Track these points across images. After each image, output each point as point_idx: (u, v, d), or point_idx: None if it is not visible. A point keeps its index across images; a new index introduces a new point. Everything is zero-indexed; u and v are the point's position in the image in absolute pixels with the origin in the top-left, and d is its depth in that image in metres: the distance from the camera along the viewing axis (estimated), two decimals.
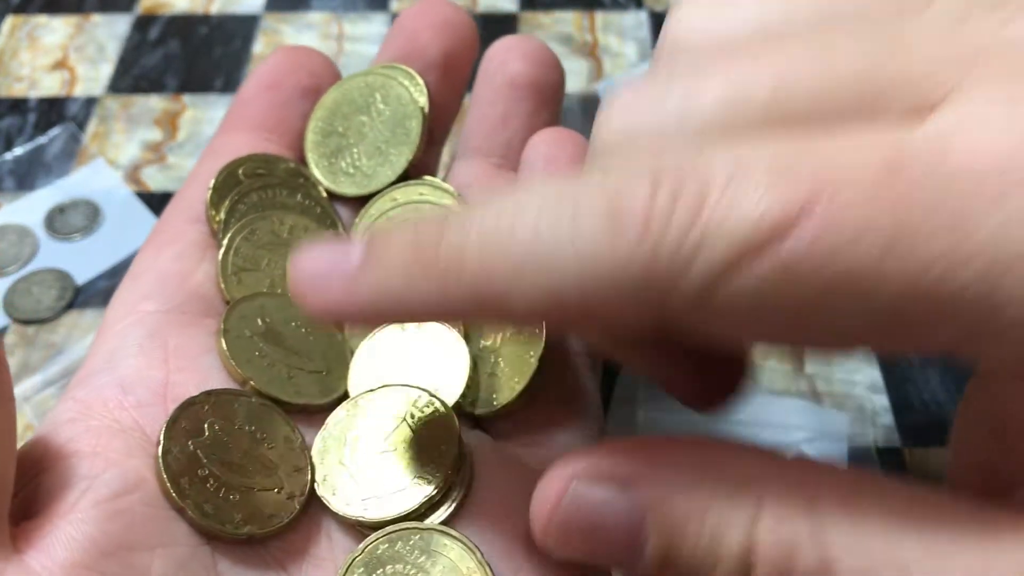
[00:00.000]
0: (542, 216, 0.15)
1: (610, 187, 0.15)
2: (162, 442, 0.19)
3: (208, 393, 0.21)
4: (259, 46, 0.46)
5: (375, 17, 0.48)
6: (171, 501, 0.19)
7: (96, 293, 0.37)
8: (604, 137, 0.17)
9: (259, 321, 0.22)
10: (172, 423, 0.20)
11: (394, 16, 0.48)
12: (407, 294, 0.16)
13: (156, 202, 0.39)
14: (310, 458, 0.21)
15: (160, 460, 0.19)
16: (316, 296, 0.17)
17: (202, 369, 0.21)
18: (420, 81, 0.26)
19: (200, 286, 0.23)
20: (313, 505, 0.21)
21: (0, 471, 0.17)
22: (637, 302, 0.14)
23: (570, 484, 0.16)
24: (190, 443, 0.20)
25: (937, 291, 0.13)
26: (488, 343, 0.23)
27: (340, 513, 0.20)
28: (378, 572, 0.19)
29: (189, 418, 0.20)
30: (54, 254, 0.38)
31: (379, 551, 0.20)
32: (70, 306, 0.36)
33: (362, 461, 0.21)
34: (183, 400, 0.20)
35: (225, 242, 0.23)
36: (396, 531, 0.20)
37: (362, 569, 0.19)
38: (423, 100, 0.26)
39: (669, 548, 0.15)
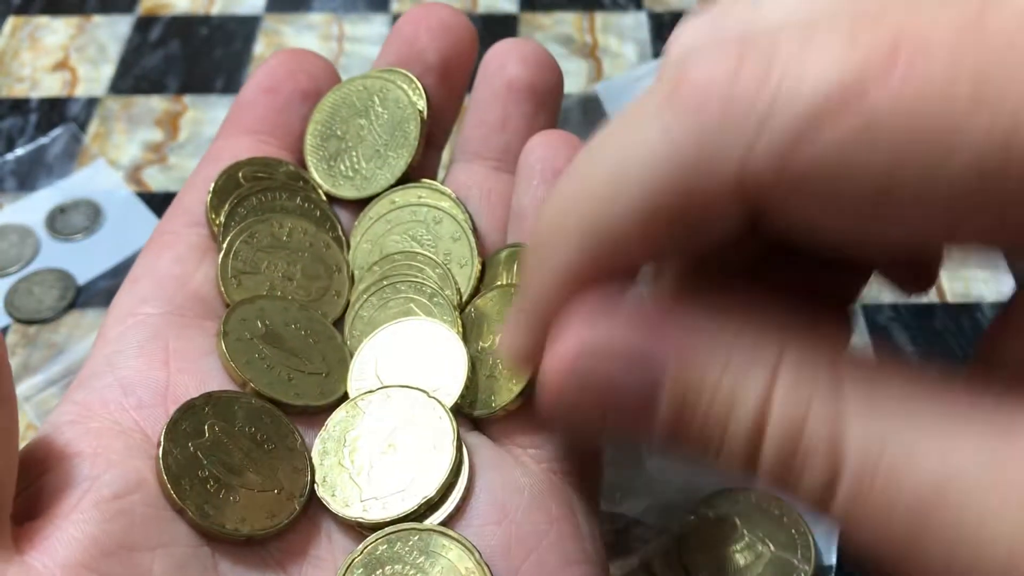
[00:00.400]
0: (616, 134, 0.15)
1: (669, 76, 0.14)
2: (162, 444, 0.19)
3: (208, 395, 0.21)
4: (260, 47, 0.46)
5: (375, 18, 0.48)
6: (171, 502, 0.19)
7: (97, 293, 0.37)
8: (671, 54, 0.16)
9: (259, 323, 0.22)
10: (172, 425, 0.20)
11: (395, 17, 0.48)
12: (547, 293, 0.16)
13: (157, 202, 0.40)
14: (310, 459, 0.21)
15: (160, 461, 0.19)
16: (513, 357, 0.19)
17: (202, 371, 0.21)
18: (418, 84, 0.26)
19: (200, 289, 0.23)
20: (313, 506, 0.21)
21: (2, 472, 0.17)
22: (719, 178, 0.13)
23: (578, 355, 0.15)
24: (190, 444, 0.20)
25: None
26: (487, 344, 0.23)
27: (339, 514, 0.20)
28: (377, 572, 0.19)
29: (189, 420, 0.20)
30: (55, 254, 0.38)
31: (378, 552, 0.20)
32: (71, 306, 0.36)
33: (361, 462, 0.21)
34: (183, 401, 0.20)
35: (225, 245, 0.23)
36: (395, 532, 0.20)
37: (361, 570, 0.19)
38: (421, 103, 0.26)
39: (684, 406, 0.15)
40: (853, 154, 0.12)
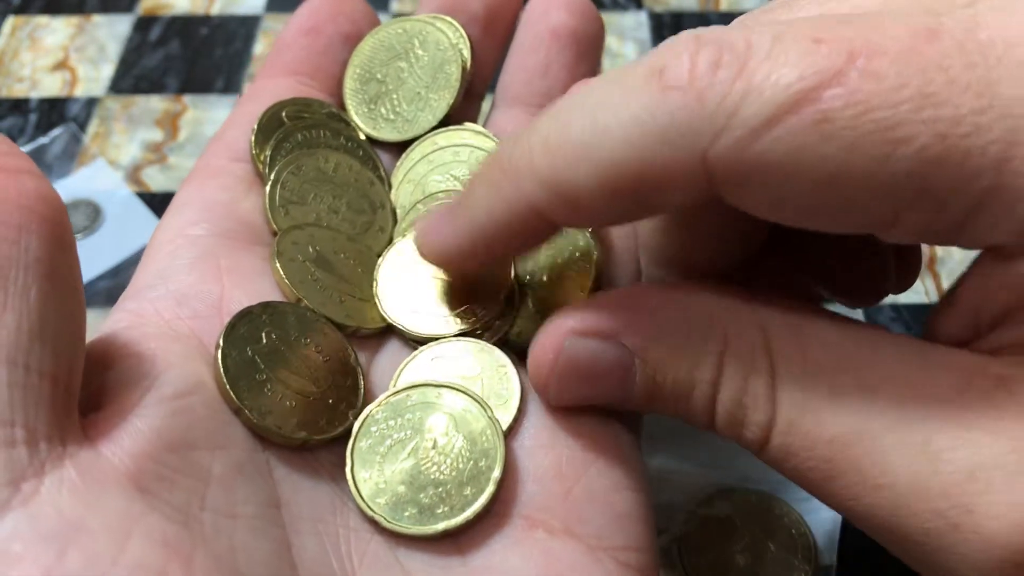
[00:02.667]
0: (595, 100, 0.16)
1: (654, 59, 0.16)
2: (221, 345, 0.19)
3: (265, 304, 0.21)
4: (260, 47, 0.46)
5: None
6: (229, 402, 0.19)
7: (97, 293, 0.37)
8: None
9: (310, 248, 0.23)
10: (230, 328, 0.20)
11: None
12: (493, 208, 0.18)
13: (157, 202, 0.40)
14: (363, 374, 0.21)
15: (219, 363, 0.19)
16: (429, 244, 0.20)
17: (256, 289, 0.21)
18: (460, 28, 0.26)
19: (247, 215, 0.23)
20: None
21: (72, 358, 0.17)
22: (686, 162, 0.15)
23: (565, 339, 0.19)
24: (248, 348, 0.20)
25: (963, 149, 0.14)
26: (536, 280, 0.23)
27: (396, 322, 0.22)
28: (378, 460, 0.20)
29: (247, 325, 0.20)
30: None
31: (364, 448, 0.20)
32: None
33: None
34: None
35: (272, 176, 0.23)
36: (363, 423, 0.21)
37: (364, 470, 0.20)
38: (463, 44, 0.26)
39: (654, 383, 0.18)
40: (808, 145, 0.14)
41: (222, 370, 0.19)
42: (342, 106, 0.26)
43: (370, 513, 0.19)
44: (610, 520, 0.20)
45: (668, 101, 0.15)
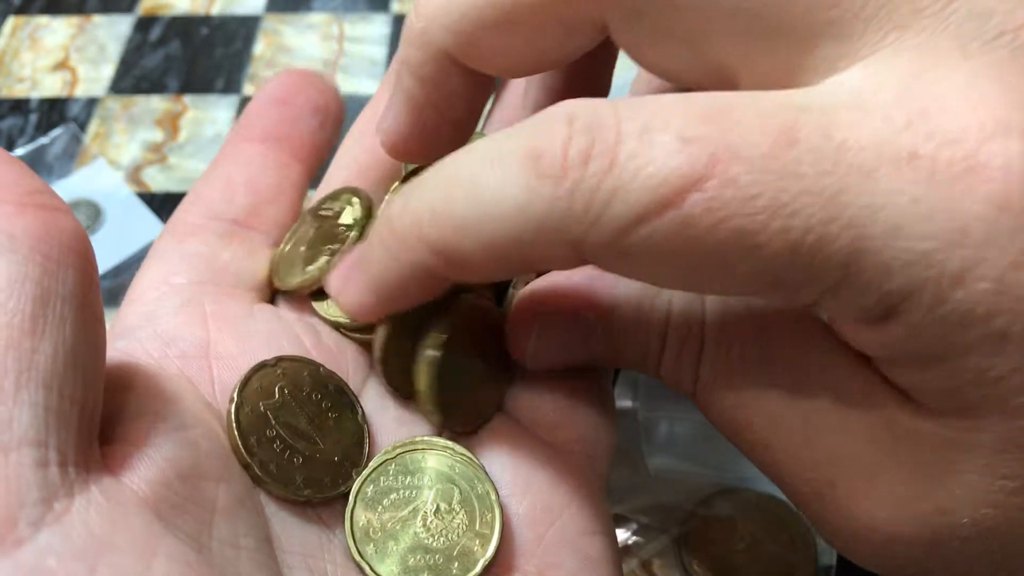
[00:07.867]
0: (476, 177, 0.17)
1: (531, 138, 0.17)
2: (235, 399, 0.20)
3: (280, 358, 0.21)
4: (260, 47, 0.46)
5: (376, 18, 0.48)
6: (239, 457, 0.19)
7: None
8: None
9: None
10: (245, 383, 0.20)
11: (395, 17, 0.48)
12: (389, 269, 0.19)
13: (157, 202, 0.40)
14: (369, 431, 0.22)
15: (232, 416, 0.19)
16: (344, 301, 0.21)
17: (241, 332, 0.22)
18: None
19: (228, 264, 0.23)
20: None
21: (94, 391, 0.17)
22: (561, 246, 0.17)
23: (538, 321, 0.21)
24: (261, 404, 0.20)
25: (811, 255, 0.15)
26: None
27: None
28: (379, 509, 0.20)
29: (261, 380, 0.20)
30: None
31: (368, 493, 0.20)
32: None
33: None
34: (225, 357, 0.21)
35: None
36: (373, 470, 0.21)
37: (363, 514, 0.20)
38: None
39: (615, 347, 0.21)
40: (671, 243, 0.15)
41: (234, 425, 0.19)
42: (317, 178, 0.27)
43: (356, 557, 0.20)
44: (581, 564, 0.20)
45: (543, 192, 0.16)
